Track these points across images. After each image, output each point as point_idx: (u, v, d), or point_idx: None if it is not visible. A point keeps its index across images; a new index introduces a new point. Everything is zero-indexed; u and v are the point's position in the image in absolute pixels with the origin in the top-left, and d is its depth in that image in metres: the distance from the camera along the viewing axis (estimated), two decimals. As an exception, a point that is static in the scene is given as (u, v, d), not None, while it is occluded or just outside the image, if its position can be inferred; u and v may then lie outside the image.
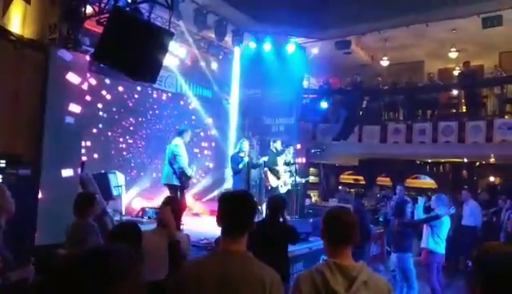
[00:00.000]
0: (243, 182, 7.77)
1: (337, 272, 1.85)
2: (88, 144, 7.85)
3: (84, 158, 7.81)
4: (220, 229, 1.95)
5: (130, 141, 9.21)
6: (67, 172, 5.57)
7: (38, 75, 5.45)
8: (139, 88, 9.26)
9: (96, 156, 8.26)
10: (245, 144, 7.92)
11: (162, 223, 2.89)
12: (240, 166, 7.71)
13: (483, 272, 1.27)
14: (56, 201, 5.09)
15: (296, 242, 4.63)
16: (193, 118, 10.79)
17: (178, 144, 6.89)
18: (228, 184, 8.94)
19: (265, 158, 8.18)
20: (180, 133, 7.13)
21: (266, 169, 8.14)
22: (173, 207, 2.85)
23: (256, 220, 2.02)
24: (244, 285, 1.76)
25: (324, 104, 11.16)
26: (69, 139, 5.64)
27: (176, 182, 6.82)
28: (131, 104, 9.20)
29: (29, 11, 5.48)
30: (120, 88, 8.89)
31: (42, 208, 5.16)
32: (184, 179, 6.88)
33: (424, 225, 6.10)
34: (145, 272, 2.78)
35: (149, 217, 7.60)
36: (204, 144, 11.08)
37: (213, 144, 11.31)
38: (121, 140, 9.01)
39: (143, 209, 7.99)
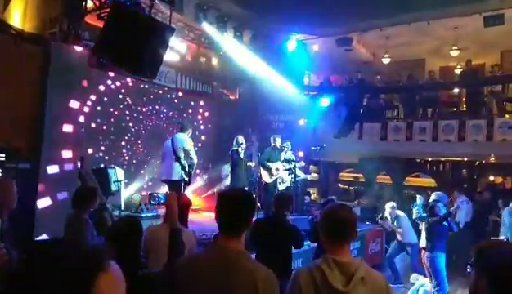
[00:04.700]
0: (242, 178, 7.76)
1: (335, 268, 1.85)
2: (87, 138, 7.82)
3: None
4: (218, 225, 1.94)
5: (129, 136, 9.21)
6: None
7: (38, 69, 5.45)
8: (138, 83, 9.23)
9: (95, 151, 8.25)
10: (240, 140, 7.91)
11: (167, 215, 2.86)
12: (241, 155, 7.69)
13: (486, 268, 1.26)
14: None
15: (299, 247, 4.47)
16: (192, 113, 10.80)
17: (186, 140, 6.64)
18: (228, 180, 8.92)
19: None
20: (184, 128, 6.92)
21: (259, 166, 8.17)
22: (182, 202, 2.83)
23: (256, 216, 2.03)
24: (237, 282, 1.76)
25: (324, 101, 11.13)
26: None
27: (185, 177, 6.57)
28: (129, 99, 9.19)
29: (30, 5, 5.48)
30: (118, 83, 8.87)
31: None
32: (192, 174, 6.77)
33: (423, 225, 6.12)
34: (150, 264, 2.82)
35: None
36: (203, 138, 11.08)
37: (213, 140, 11.30)
38: (120, 135, 9.00)
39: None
